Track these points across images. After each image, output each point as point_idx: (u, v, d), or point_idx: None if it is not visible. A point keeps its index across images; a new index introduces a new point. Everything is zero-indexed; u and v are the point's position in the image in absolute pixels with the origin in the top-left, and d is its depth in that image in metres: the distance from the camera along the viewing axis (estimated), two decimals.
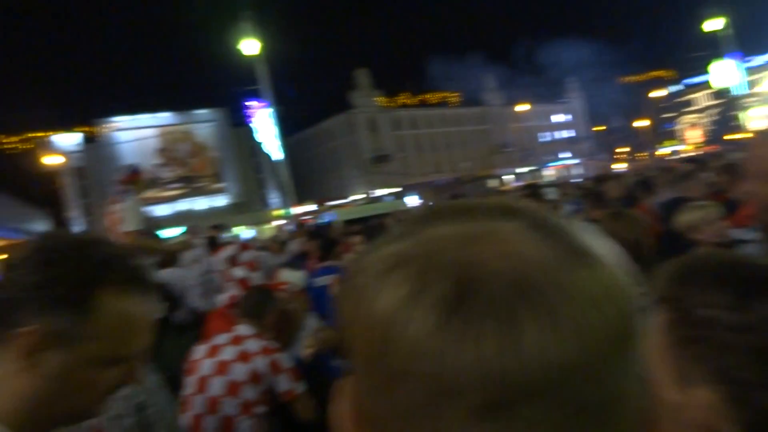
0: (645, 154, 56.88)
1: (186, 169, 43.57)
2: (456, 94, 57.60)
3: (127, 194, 4.17)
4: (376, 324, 0.32)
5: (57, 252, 0.73)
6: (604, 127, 66.92)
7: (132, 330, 0.75)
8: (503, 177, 53.62)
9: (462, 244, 0.32)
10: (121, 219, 4.08)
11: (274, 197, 48.10)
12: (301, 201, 36.13)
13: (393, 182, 47.67)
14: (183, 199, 42.15)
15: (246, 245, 3.58)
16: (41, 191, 27.48)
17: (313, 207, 40.59)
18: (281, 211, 41.62)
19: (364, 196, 45.20)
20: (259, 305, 2.59)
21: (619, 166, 40.40)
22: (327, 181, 52.21)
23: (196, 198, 43.26)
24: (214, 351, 2.38)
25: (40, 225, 15.28)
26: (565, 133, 64.26)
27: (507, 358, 0.29)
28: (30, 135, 40.81)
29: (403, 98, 53.61)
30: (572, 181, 16.13)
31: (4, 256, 5.98)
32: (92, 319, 0.71)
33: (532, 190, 5.49)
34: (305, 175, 53.12)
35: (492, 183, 51.82)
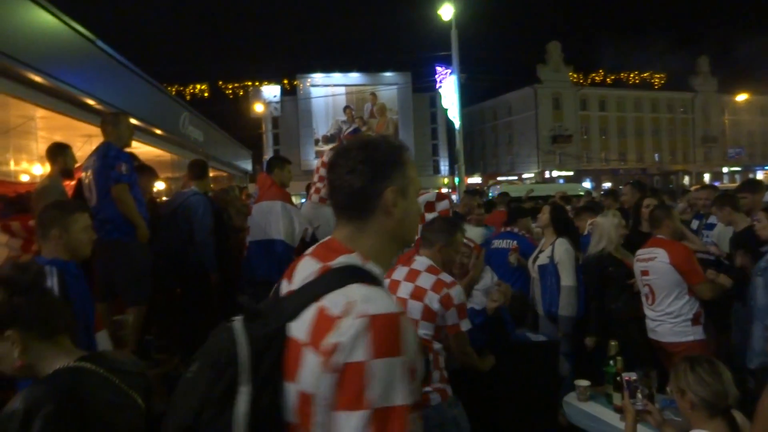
0: None
1: (366, 128, 46.08)
2: (660, 75, 51.30)
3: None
4: None
5: (372, 142, 1.12)
6: None
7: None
8: (703, 175, 47.50)
9: None
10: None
11: (444, 165, 48.76)
12: (468, 172, 36.18)
13: (569, 165, 45.07)
14: None
15: (443, 195, 3.75)
16: (248, 134, 31.28)
17: (478, 179, 40.44)
18: (448, 180, 42.31)
19: (533, 175, 43.62)
20: (433, 231, 2.63)
21: None
22: (498, 156, 51.26)
23: None
24: (393, 287, 2.46)
25: (246, 163, 17.53)
26: None
27: None
28: (246, 83, 46.31)
29: (595, 76, 49.34)
30: None
31: (218, 185, 6.98)
32: (407, 170, 1.13)
33: (753, 187, 4.68)
34: (476, 147, 52.73)
35: (686, 180, 46.23)
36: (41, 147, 8.25)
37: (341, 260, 1.01)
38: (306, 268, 1.04)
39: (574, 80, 46.95)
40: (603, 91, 48.30)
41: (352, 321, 0.89)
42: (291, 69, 47.40)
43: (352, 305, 0.91)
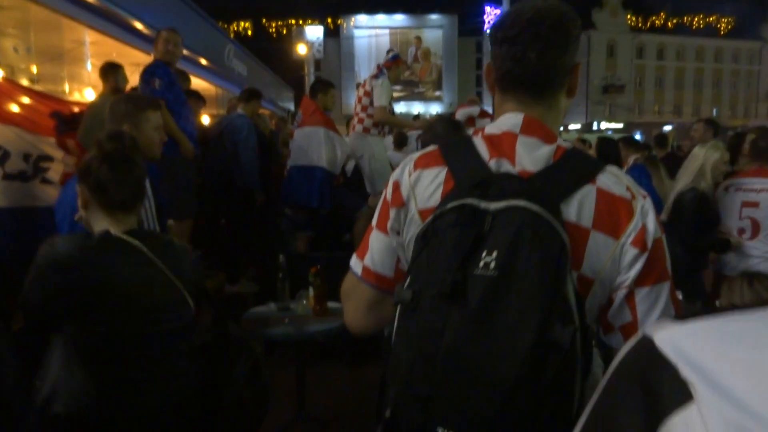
0: None
1: (409, 73, 45.06)
2: (727, 20, 47.53)
3: (383, 75, 4.60)
4: None
5: (566, 14, 0.99)
6: None
7: None
8: None
9: None
10: (373, 92, 4.55)
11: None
12: None
13: (619, 117, 43.20)
14: (402, 101, 44.17)
15: (486, 113, 3.63)
16: (291, 76, 31.10)
17: None
18: None
19: (580, 126, 42.12)
20: (437, 136, 2.50)
21: None
22: None
23: (414, 102, 44.91)
24: None
25: (288, 103, 17.54)
26: None
27: None
28: (289, 21, 45.67)
29: (656, 19, 46.11)
30: None
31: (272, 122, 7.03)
32: None
33: None
34: None
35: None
36: (93, 76, 8.47)
37: (563, 142, 0.96)
38: (532, 149, 0.93)
39: (632, 25, 44.18)
40: (662, 39, 45.40)
41: (643, 202, 0.90)
42: (335, 8, 46.37)
43: (631, 187, 0.91)
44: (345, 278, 1.12)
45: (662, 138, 6.72)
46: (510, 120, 0.98)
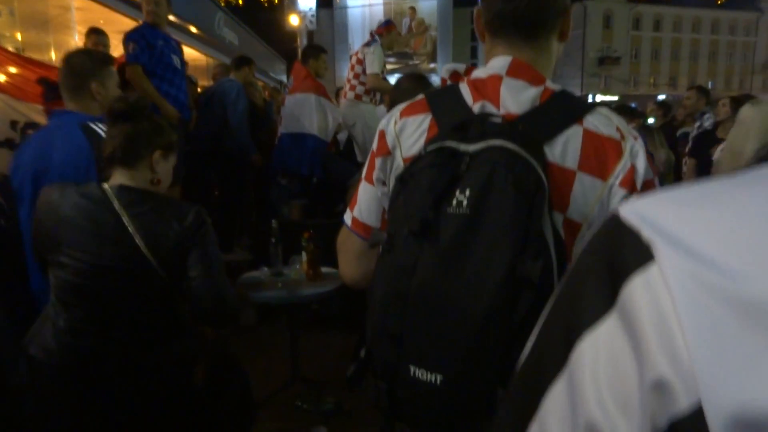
0: None
1: (404, 45, 44.43)
2: None
3: (376, 42, 4.55)
4: None
5: None
6: None
7: None
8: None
9: None
10: (365, 60, 4.50)
11: None
12: None
13: (614, 89, 42.97)
14: (396, 74, 43.63)
15: (473, 68, 3.59)
16: (283, 48, 30.52)
17: None
18: None
19: None
20: (402, 92, 2.53)
21: None
22: None
23: None
24: None
25: (281, 75, 17.31)
26: None
27: None
28: None
29: None
30: None
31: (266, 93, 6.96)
32: None
33: None
34: None
35: None
36: (80, 45, 8.31)
37: (552, 85, 0.92)
38: (517, 91, 0.90)
39: None
40: (659, 9, 44.90)
41: (633, 143, 0.86)
42: None
43: (620, 127, 0.87)
44: (340, 231, 1.14)
45: (666, 105, 6.46)
46: (497, 63, 0.95)
